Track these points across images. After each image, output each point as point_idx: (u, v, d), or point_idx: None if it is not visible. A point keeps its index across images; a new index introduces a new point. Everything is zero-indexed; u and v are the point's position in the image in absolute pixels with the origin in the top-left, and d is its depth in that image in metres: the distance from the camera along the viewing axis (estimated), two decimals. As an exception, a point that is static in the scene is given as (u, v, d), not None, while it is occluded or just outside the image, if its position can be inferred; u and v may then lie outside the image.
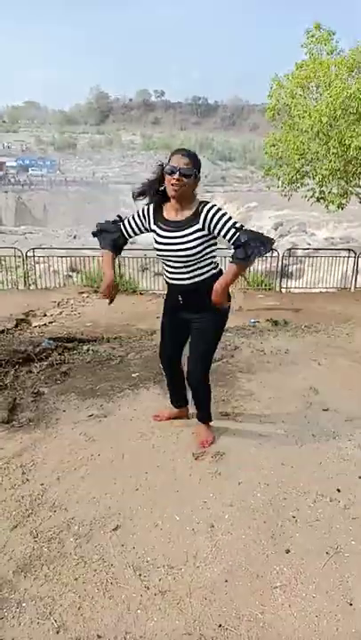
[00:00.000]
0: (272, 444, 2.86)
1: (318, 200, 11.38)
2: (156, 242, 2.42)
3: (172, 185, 2.25)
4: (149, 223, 2.45)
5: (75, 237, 35.51)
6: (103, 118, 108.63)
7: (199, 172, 2.34)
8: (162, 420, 3.02)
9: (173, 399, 3.00)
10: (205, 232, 2.33)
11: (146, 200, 2.48)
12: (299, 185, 11.47)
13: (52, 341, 4.62)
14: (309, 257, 14.20)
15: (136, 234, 2.53)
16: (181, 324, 2.66)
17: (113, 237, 2.53)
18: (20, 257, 12.56)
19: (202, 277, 2.44)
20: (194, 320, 2.58)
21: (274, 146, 11.30)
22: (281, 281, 12.47)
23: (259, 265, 13.65)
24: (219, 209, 2.33)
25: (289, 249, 13.61)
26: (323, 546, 2.08)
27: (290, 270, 13.92)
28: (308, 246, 30.42)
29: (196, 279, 2.43)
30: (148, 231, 2.48)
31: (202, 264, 2.42)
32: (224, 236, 2.31)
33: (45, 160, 69.04)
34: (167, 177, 2.28)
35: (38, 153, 73.73)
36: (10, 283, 12.25)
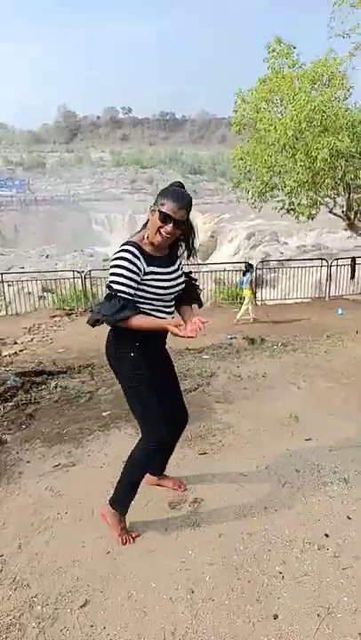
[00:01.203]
0: (253, 484, 2.68)
1: (288, 211, 11.38)
2: (156, 280, 2.10)
3: (165, 234, 2.04)
4: (144, 268, 2.07)
5: (47, 257, 35.02)
6: (72, 137, 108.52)
7: (188, 217, 2.12)
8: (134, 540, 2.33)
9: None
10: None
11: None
12: (268, 197, 11.46)
13: (18, 378, 4.36)
14: (283, 267, 14.23)
15: (134, 291, 2.10)
16: (162, 376, 2.37)
17: (130, 305, 2.07)
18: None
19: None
20: (166, 359, 2.41)
21: (242, 159, 11.28)
22: (255, 293, 12.41)
23: (232, 277, 13.63)
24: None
25: (262, 261, 13.59)
26: (313, 606, 1.90)
27: (264, 279, 13.89)
28: (280, 255, 30.76)
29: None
30: (140, 281, 2.08)
31: None
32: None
33: (14, 180, 68.34)
34: (158, 222, 2.03)
35: (7, 173, 72.99)
36: (-22, 310, 11.90)
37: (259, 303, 12.03)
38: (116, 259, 2.07)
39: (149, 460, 2.33)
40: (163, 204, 2.03)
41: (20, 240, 47.66)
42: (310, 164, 9.54)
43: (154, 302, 2.13)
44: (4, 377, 4.57)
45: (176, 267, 2.23)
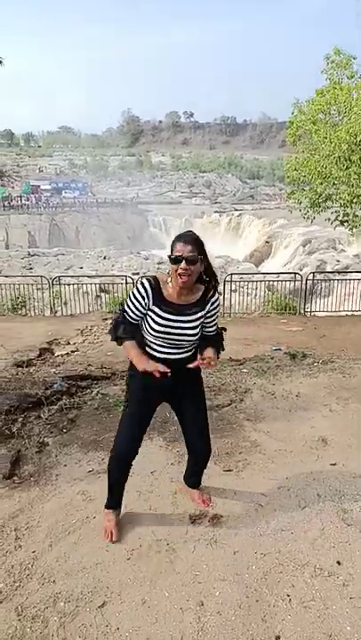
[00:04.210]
0: (273, 505, 2.77)
1: (342, 223, 11.20)
2: (156, 322, 2.28)
3: (180, 275, 2.19)
4: (148, 304, 2.29)
5: (105, 258, 36.06)
6: (134, 141, 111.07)
7: (204, 255, 2.27)
8: (114, 538, 2.49)
9: (118, 503, 2.60)
10: (204, 318, 2.37)
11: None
12: (322, 208, 11.34)
13: (64, 383, 4.65)
14: (336, 280, 13.93)
15: (140, 318, 2.35)
16: (154, 404, 2.55)
17: (127, 328, 2.34)
18: (46, 284, 12.85)
19: (191, 352, 2.44)
20: (185, 391, 2.50)
21: (296, 170, 11.24)
22: (305, 304, 12.26)
23: (283, 286, 13.53)
24: (219, 303, 2.45)
25: (313, 272, 13.38)
26: (315, 632, 1.98)
27: (317, 290, 13.64)
28: (337, 263, 30.01)
29: (190, 352, 2.42)
30: (145, 314, 2.32)
31: (194, 342, 2.41)
32: (207, 327, 2.43)
33: (78, 182, 70.90)
34: (173, 266, 2.20)
35: (71, 176, 75.82)
36: (36, 310, 12.53)
37: (308, 315, 11.91)
38: (134, 285, 2.31)
39: (110, 468, 2.56)
40: (172, 250, 2.21)
41: (81, 240, 49.45)
42: (366, 177, 9.38)
43: (148, 337, 2.33)
44: (52, 380, 4.88)
45: (191, 318, 2.29)
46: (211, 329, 2.45)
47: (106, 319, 11.71)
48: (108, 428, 3.69)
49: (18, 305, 12.45)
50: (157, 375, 2.23)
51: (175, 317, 2.28)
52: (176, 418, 2.69)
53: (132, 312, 2.31)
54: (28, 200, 56.67)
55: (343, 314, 12.31)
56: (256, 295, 13.67)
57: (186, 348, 2.38)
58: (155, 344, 2.34)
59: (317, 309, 12.59)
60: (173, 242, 2.24)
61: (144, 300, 2.28)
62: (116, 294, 13.47)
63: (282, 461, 3.24)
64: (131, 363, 2.41)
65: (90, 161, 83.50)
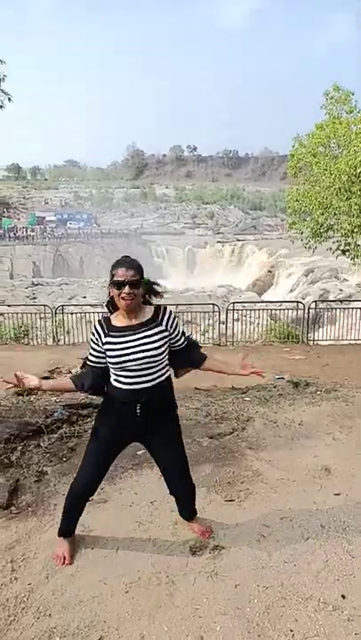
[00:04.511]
0: (276, 536, 2.71)
1: (344, 252, 11.31)
2: (113, 350, 2.27)
3: (124, 299, 2.23)
4: (101, 340, 2.31)
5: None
6: (138, 174, 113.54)
7: (143, 277, 2.33)
8: (67, 562, 2.49)
9: (70, 531, 2.58)
10: (167, 333, 2.37)
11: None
12: (323, 238, 11.47)
13: (64, 411, 4.62)
14: (339, 309, 13.97)
15: (102, 362, 2.35)
16: (124, 442, 2.52)
17: (90, 381, 2.39)
18: (49, 313, 12.92)
19: (162, 379, 2.38)
20: (156, 430, 2.43)
21: (297, 201, 11.43)
22: (308, 333, 12.24)
23: (285, 314, 13.55)
24: (175, 316, 2.45)
25: (315, 300, 13.42)
26: (320, 669, 1.91)
27: (320, 318, 13.66)
28: (339, 292, 30.11)
29: (158, 380, 2.35)
30: (103, 352, 2.32)
31: (163, 364, 2.38)
32: (176, 341, 2.44)
33: (83, 214, 72.12)
34: (115, 291, 2.25)
35: (77, 208, 77.24)
36: (39, 339, 12.56)
37: (311, 343, 11.88)
38: None
39: (69, 496, 2.54)
40: (113, 275, 2.26)
41: (85, 270, 49.95)
42: (366, 208, 9.53)
43: (114, 372, 2.33)
44: (53, 409, 4.85)
45: (147, 334, 2.29)
46: (180, 341, 2.45)
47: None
48: (108, 456, 3.64)
49: (20, 334, 12.50)
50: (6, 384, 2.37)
51: (129, 338, 2.28)
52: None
53: (90, 354, 2.38)
54: (33, 231, 57.58)
55: (346, 342, 12.27)
56: (258, 324, 13.68)
57: (151, 372, 2.31)
58: (121, 376, 2.31)
59: (320, 338, 12.57)
60: (114, 267, 2.29)
61: (96, 338, 2.34)
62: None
63: (284, 491, 3.18)
64: (104, 398, 2.45)
65: (95, 193, 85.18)
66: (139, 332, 2.29)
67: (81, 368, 2.54)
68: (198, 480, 3.27)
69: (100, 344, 2.32)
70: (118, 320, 2.34)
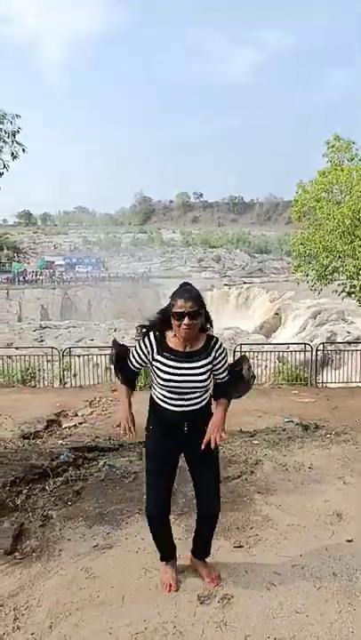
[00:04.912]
0: (287, 585, 2.62)
1: (349, 295, 11.40)
2: (163, 371, 2.38)
3: (184, 329, 2.30)
4: (152, 354, 2.41)
5: (115, 330, 36.53)
6: (145, 219, 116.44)
7: (204, 307, 2.40)
8: (173, 589, 2.55)
9: (168, 554, 2.66)
10: (211, 365, 2.46)
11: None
12: (329, 280, 11.60)
13: (70, 454, 4.58)
14: (347, 351, 13.91)
15: (141, 367, 2.51)
16: (175, 461, 2.58)
17: (127, 376, 2.58)
18: (56, 355, 12.96)
19: (205, 402, 2.52)
20: (197, 450, 2.47)
21: (302, 244, 11.66)
22: (317, 375, 12.15)
23: (293, 357, 13.49)
24: (224, 348, 2.51)
25: (323, 342, 13.39)
26: None
27: (328, 360, 13.59)
28: (347, 335, 30.03)
29: (202, 404, 2.49)
30: (149, 363, 2.44)
31: (205, 391, 2.49)
32: (219, 374, 2.50)
33: (91, 258, 73.47)
34: (175, 321, 2.32)
35: (85, 252, 78.83)
36: (46, 381, 12.55)
37: (320, 386, 11.76)
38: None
39: (149, 522, 2.57)
40: (173, 305, 2.32)
41: (93, 313, 50.42)
42: (370, 250, 9.69)
43: (157, 388, 2.45)
44: (59, 451, 4.81)
45: (197, 364, 2.38)
46: (223, 374, 2.51)
47: (115, 390, 11.69)
48: (113, 500, 3.58)
49: (27, 376, 12.51)
50: (120, 430, 2.47)
51: (180, 365, 2.37)
52: (186, 489, 2.66)
53: (135, 360, 2.48)
54: (42, 275, 58.58)
55: (355, 385, 12.14)
56: (266, 366, 13.61)
57: (196, 397, 2.43)
58: (165, 396, 2.43)
59: (329, 381, 12.46)
60: (173, 296, 2.35)
61: (147, 349, 2.41)
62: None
63: (295, 537, 3.09)
64: (148, 419, 2.54)
65: (103, 238, 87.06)
66: (189, 362, 2.38)
67: (116, 361, 2.60)
68: (206, 525, 3.20)
69: (150, 358, 2.42)
70: (172, 342, 2.41)
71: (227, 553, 2.91)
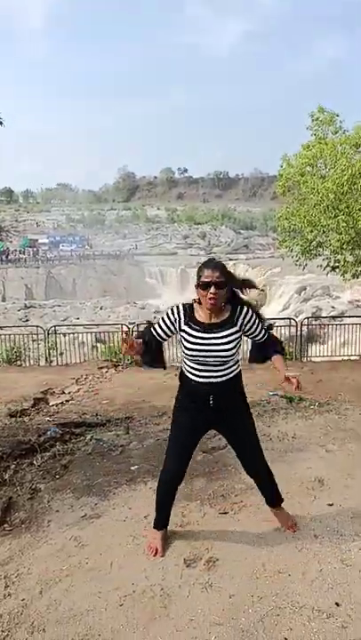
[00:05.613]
0: (270, 547, 2.71)
1: (333, 269, 11.46)
2: (189, 341, 2.47)
3: (210, 299, 2.37)
4: (180, 324, 2.51)
5: (101, 308, 36.39)
6: (130, 196, 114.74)
7: (230, 278, 2.47)
8: (159, 554, 2.64)
9: (163, 522, 2.74)
10: (239, 333, 2.52)
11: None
12: (313, 255, 11.63)
13: (57, 430, 4.62)
14: (331, 325, 14.09)
15: (167, 337, 2.59)
16: (202, 429, 2.68)
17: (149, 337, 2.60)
18: (42, 335, 12.91)
19: (233, 374, 2.56)
20: (229, 419, 2.60)
21: (287, 219, 11.62)
22: (302, 349, 12.31)
23: (279, 332, 13.63)
24: (253, 312, 2.53)
25: (307, 317, 13.53)
26: None
27: (313, 335, 13.75)
28: (332, 310, 30.36)
29: (230, 376, 2.54)
30: (176, 332, 2.54)
31: (232, 362, 2.54)
32: (255, 335, 2.58)
33: (75, 236, 72.43)
34: (201, 291, 2.40)
35: (69, 230, 77.71)
36: (32, 360, 12.51)
37: (305, 360, 11.93)
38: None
39: (159, 486, 2.70)
40: (200, 276, 2.40)
41: (78, 292, 50.03)
42: (353, 224, 9.71)
43: (186, 361, 2.53)
44: (46, 427, 4.85)
45: (221, 334, 2.43)
46: (260, 335, 2.58)
47: (101, 367, 11.71)
48: (101, 472, 3.64)
49: (13, 356, 12.45)
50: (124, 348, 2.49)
51: (206, 335, 2.44)
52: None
53: (160, 328, 2.55)
54: (25, 254, 57.71)
55: (339, 359, 12.34)
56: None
57: (221, 369, 2.48)
58: (192, 367, 2.51)
59: (314, 355, 12.64)
60: (201, 268, 2.44)
61: (174, 318, 2.50)
62: (111, 344, 13.50)
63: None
64: (178, 390, 2.63)
65: (87, 215, 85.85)
66: (214, 332, 2.44)
67: (140, 336, 2.63)
68: (192, 493, 3.28)
69: (177, 327, 2.51)
70: (199, 314, 2.49)
71: (212, 519, 3.00)
